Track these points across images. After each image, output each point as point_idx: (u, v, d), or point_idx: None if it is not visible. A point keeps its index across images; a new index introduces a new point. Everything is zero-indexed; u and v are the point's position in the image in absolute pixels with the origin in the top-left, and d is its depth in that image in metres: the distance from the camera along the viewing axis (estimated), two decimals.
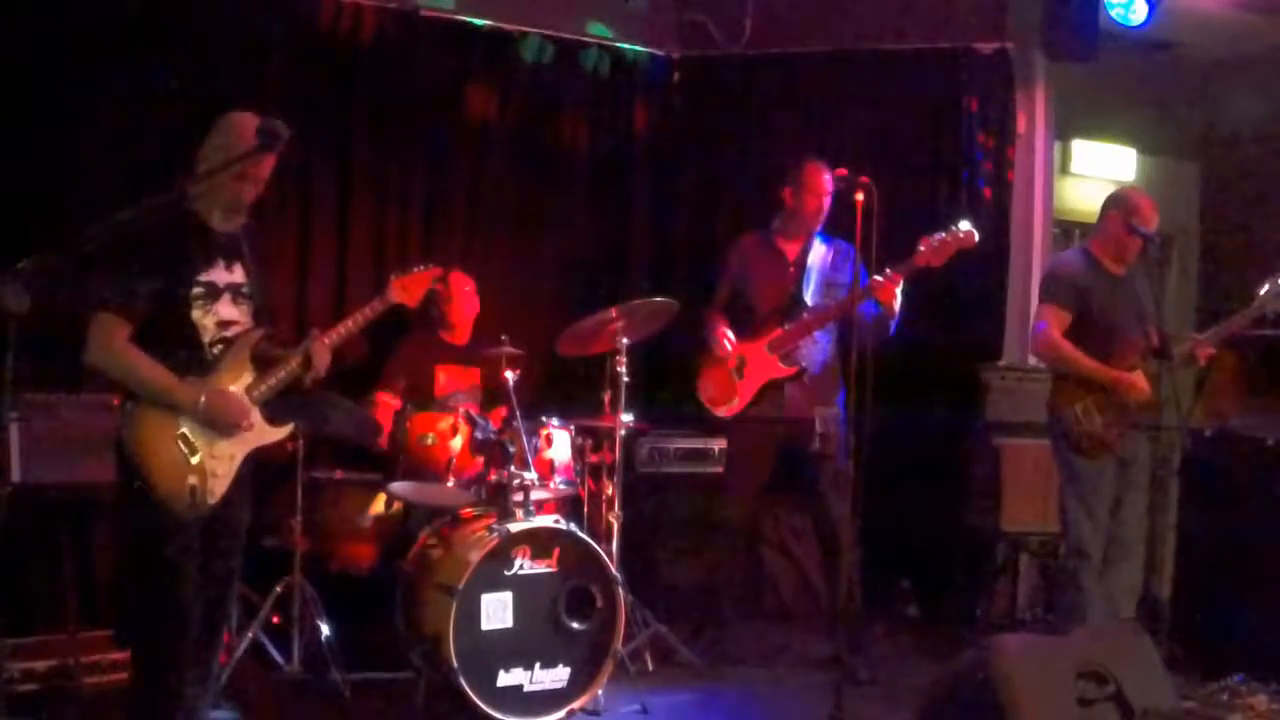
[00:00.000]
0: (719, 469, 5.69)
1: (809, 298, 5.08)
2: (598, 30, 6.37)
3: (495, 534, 4.28)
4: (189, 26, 5.25)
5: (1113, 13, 6.08)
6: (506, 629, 4.26)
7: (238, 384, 3.56)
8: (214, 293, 3.50)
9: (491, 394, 5.30)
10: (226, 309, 3.53)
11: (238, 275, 3.57)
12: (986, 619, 5.70)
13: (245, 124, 3.42)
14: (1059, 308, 4.74)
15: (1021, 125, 6.29)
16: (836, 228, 5.11)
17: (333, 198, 5.74)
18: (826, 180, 5.06)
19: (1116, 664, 3.55)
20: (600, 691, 4.45)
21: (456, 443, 4.69)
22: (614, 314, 4.79)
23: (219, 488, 3.48)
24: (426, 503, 4.88)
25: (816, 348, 5.10)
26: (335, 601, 4.71)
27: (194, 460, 3.43)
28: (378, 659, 4.68)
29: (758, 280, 5.21)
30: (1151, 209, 4.84)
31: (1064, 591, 4.82)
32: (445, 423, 4.73)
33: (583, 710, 4.41)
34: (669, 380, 5.93)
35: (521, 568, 4.31)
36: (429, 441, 4.71)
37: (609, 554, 4.62)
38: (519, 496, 4.52)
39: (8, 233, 4.58)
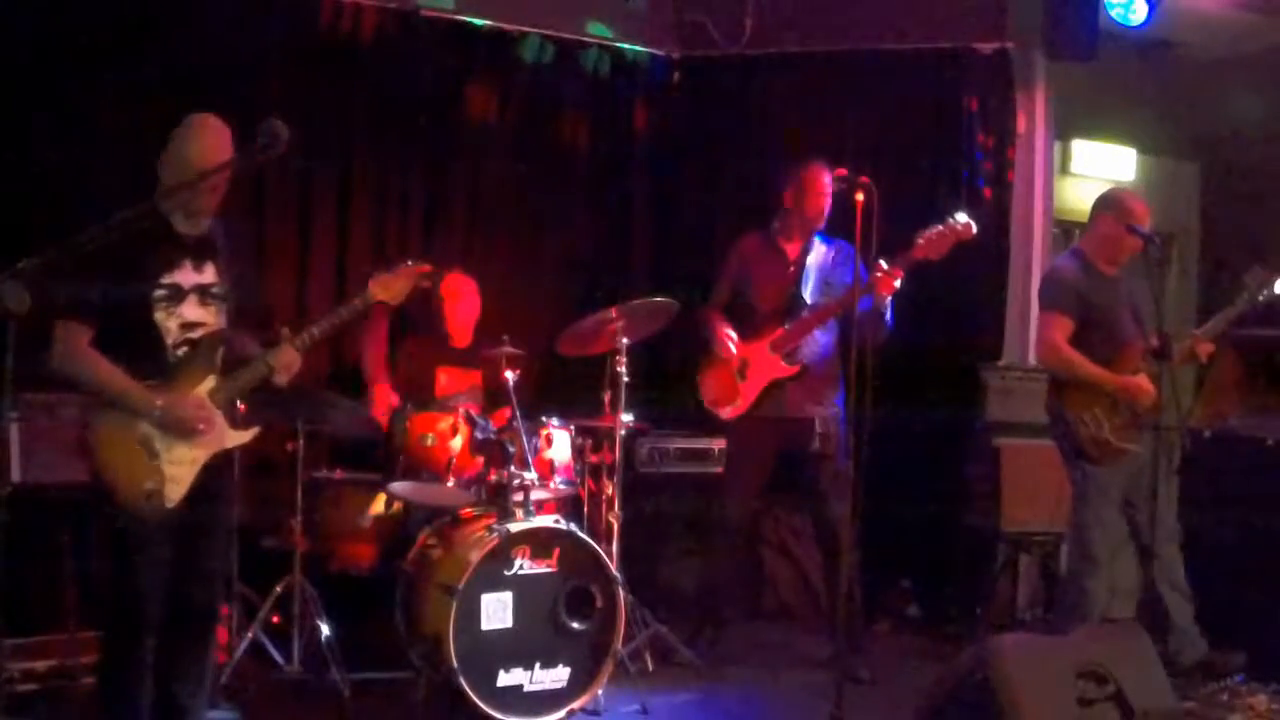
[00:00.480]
0: (719, 469, 5.68)
1: (809, 299, 5.08)
2: (598, 30, 6.37)
3: (495, 534, 4.28)
4: (189, 26, 5.25)
5: (1113, 13, 6.08)
6: (506, 629, 4.26)
7: (202, 386, 3.53)
8: (178, 295, 3.48)
9: (493, 395, 5.30)
10: (192, 310, 3.51)
11: (207, 276, 3.55)
12: (986, 619, 5.69)
13: (193, 129, 3.47)
14: (1062, 315, 4.72)
15: (1021, 125, 6.28)
16: (836, 228, 5.11)
17: (333, 198, 5.74)
18: (827, 181, 5.06)
19: (1116, 664, 3.56)
20: (600, 691, 4.45)
21: (456, 443, 4.69)
22: (614, 314, 4.79)
23: (177, 491, 3.47)
24: (426, 503, 4.88)
25: (817, 346, 5.10)
26: (335, 601, 4.71)
27: (153, 463, 3.43)
28: (378, 659, 4.68)
29: (759, 280, 5.21)
30: (1145, 209, 4.84)
31: (1067, 593, 4.82)
32: (445, 423, 4.72)
33: (583, 710, 4.41)
34: (669, 380, 5.93)
35: (521, 568, 4.31)
36: (429, 441, 4.71)
37: (609, 554, 4.62)
38: (519, 496, 4.52)
39: (8, 233, 4.58)
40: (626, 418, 4.92)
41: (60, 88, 4.97)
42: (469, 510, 4.74)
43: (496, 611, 4.26)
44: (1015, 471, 5.65)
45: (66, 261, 2.91)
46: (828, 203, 5.09)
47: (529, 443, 4.64)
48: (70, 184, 4.96)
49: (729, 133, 6.48)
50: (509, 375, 4.71)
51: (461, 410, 4.79)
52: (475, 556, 4.21)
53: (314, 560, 4.79)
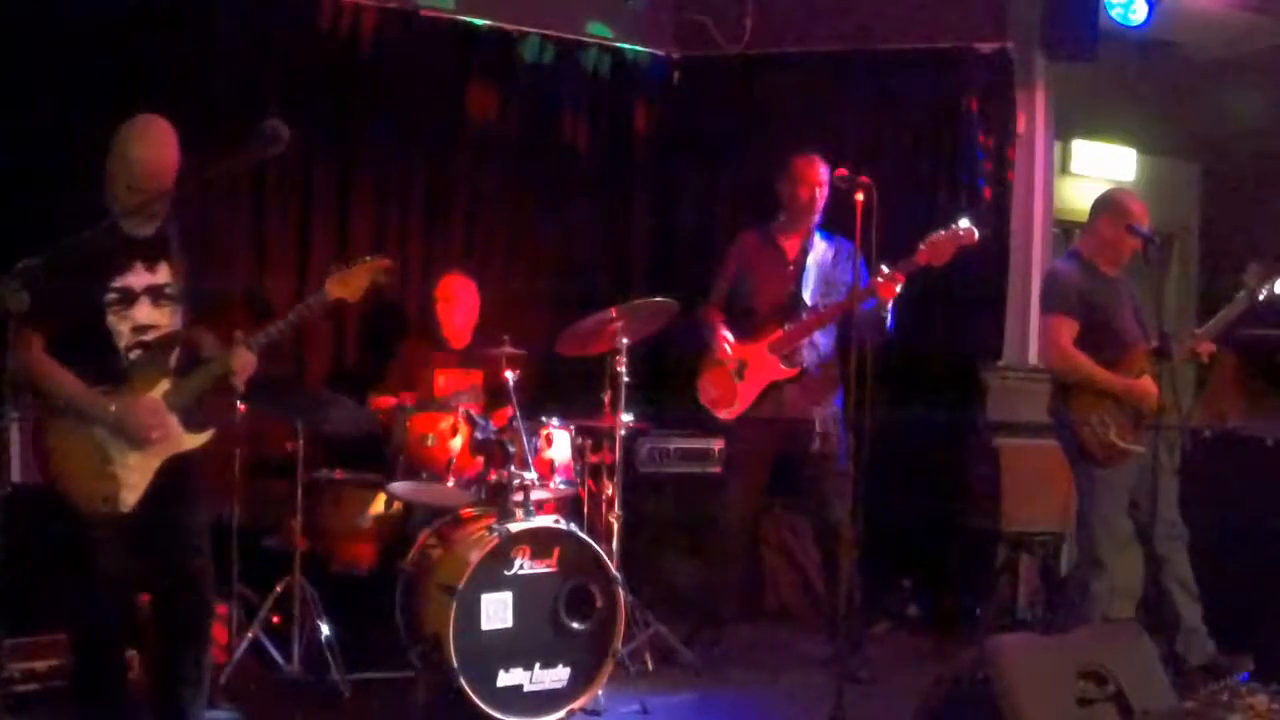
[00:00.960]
0: (719, 469, 5.69)
1: (808, 297, 5.07)
2: (598, 30, 6.37)
3: (495, 534, 4.28)
4: (189, 26, 5.25)
5: (1113, 13, 6.08)
6: (506, 629, 4.26)
7: (156, 390, 3.52)
8: (129, 297, 3.47)
9: (493, 395, 5.30)
10: (144, 312, 3.50)
11: (160, 276, 3.53)
12: (986, 619, 5.69)
13: (136, 132, 3.47)
14: (1066, 318, 4.71)
15: (1021, 125, 6.28)
16: (836, 227, 5.11)
17: (333, 198, 5.74)
18: (819, 171, 5.05)
19: (1116, 664, 3.55)
20: (600, 691, 4.45)
21: (456, 443, 4.69)
22: (614, 314, 4.79)
23: (132, 496, 3.47)
24: (426, 503, 4.88)
25: (817, 348, 5.09)
26: (335, 601, 4.71)
27: (107, 469, 3.43)
28: (378, 659, 4.68)
29: (758, 279, 5.21)
30: (1144, 209, 4.83)
31: (1070, 593, 4.82)
32: (445, 423, 4.73)
33: (583, 710, 4.41)
34: (669, 380, 5.93)
35: (521, 568, 4.31)
36: (429, 441, 4.71)
37: (609, 554, 4.61)
38: (519, 496, 4.52)
39: (7, 233, 4.57)
40: (626, 418, 4.92)
41: (59, 88, 4.97)
42: (469, 510, 4.74)
43: (496, 611, 4.25)
44: (1015, 471, 5.65)
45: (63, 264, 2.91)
46: (821, 193, 5.08)
47: (529, 443, 4.63)
48: (69, 184, 4.96)
49: (729, 133, 6.48)
50: (509, 375, 4.71)
51: (461, 410, 4.79)
52: (475, 556, 4.21)
53: (314, 560, 4.80)
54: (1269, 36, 6.69)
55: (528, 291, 6.23)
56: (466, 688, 4.13)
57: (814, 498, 5.12)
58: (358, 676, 4.50)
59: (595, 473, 5.29)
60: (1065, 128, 6.85)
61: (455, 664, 4.12)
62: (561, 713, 4.33)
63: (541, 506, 4.74)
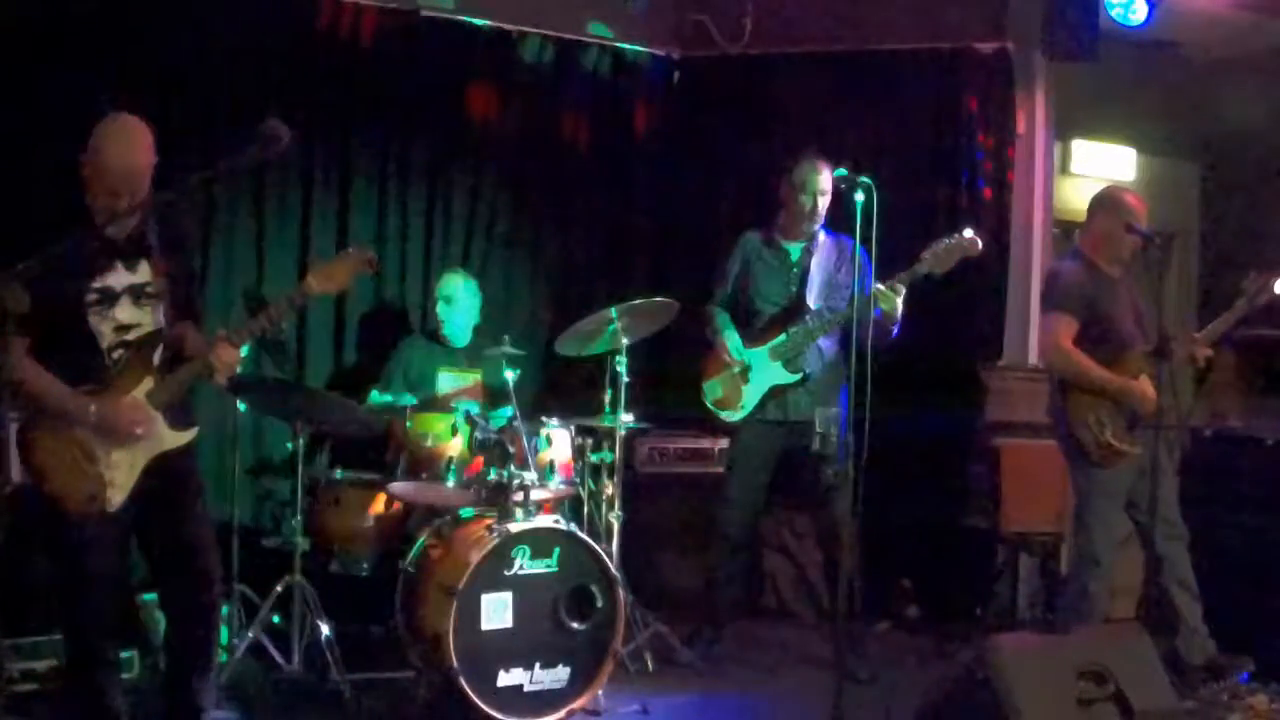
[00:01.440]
0: (720, 469, 5.68)
1: (811, 300, 5.07)
2: (598, 30, 6.37)
3: (495, 534, 4.28)
4: (189, 26, 5.25)
5: (1113, 13, 6.08)
6: (506, 629, 4.26)
7: (139, 389, 3.52)
8: (110, 297, 3.48)
9: (494, 395, 5.30)
10: (126, 312, 3.51)
11: (141, 275, 3.53)
12: (986, 619, 5.69)
13: (110, 131, 3.46)
14: (1066, 316, 4.70)
15: (1021, 125, 6.28)
16: (837, 227, 5.10)
17: (333, 198, 5.74)
18: (821, 179, 5.04)
19: (1116, 664, 3.56)
20: (600, 691, 4.45)
21: (456, 443, 4.69)
22: (614, 314, 4.79)
23: (118, 495, 3.48)
24: (426, 503, 4.88)
25: (820, 353, 5.09)
26: (335, 601, 4.71)
27: (91, 468, 3.44)
28: (378, 659, 4.68)
29: (760, 280, 5.20)
30: (1141, 204, 4.83)
31: (1069, 593, 4.82)
32: (445, 423, 4.72)
33: (583, 710, 4.41)
34: (669, 380, 5.93)
35: (521, 568, 4.31)
36: (429, 441, 4.71)
37: (609, 554, 4.62)
38: (519, 496, 4.52)
39: (7, 233, 4.57)
40: (626, 418, 4.92)
41: (58, 87, 4.96)
42: (469, 510, 4.74)
43: (496, 611, 4.25)
44: (1015, 471, 5.65)
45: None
46: (823, 202, 5.07)
47: (529, 443, 4.64)
48: (70, 184, 4.95)
49: (729, 133, 6.48)
50: (509, 375, 4.71)
51: (462, 410, 4.80)
52: (475, 556, 4.21)
53: (314, 560, 4.79)
54: (1269, 36, 6.69)
55: (528, 291, 6.23)
56: (466, 688, 4.13)
57: (814, 497, 5.12)
58: (358, 676, 4.49)
59: (595, 473, 5.29)
60: (1065, 128, 6.85)
61: (455, 664, 4.12)
62: (561, 713, 4.33)
63: (541, 506, 4.74)
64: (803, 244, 5.18)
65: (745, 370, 5.10)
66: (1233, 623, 4.83)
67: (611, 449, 5.00)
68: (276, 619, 4.66)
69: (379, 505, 5.00)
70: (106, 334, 3.48)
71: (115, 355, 3.50)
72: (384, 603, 4.68)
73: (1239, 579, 4.99)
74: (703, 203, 6.52)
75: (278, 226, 5.60)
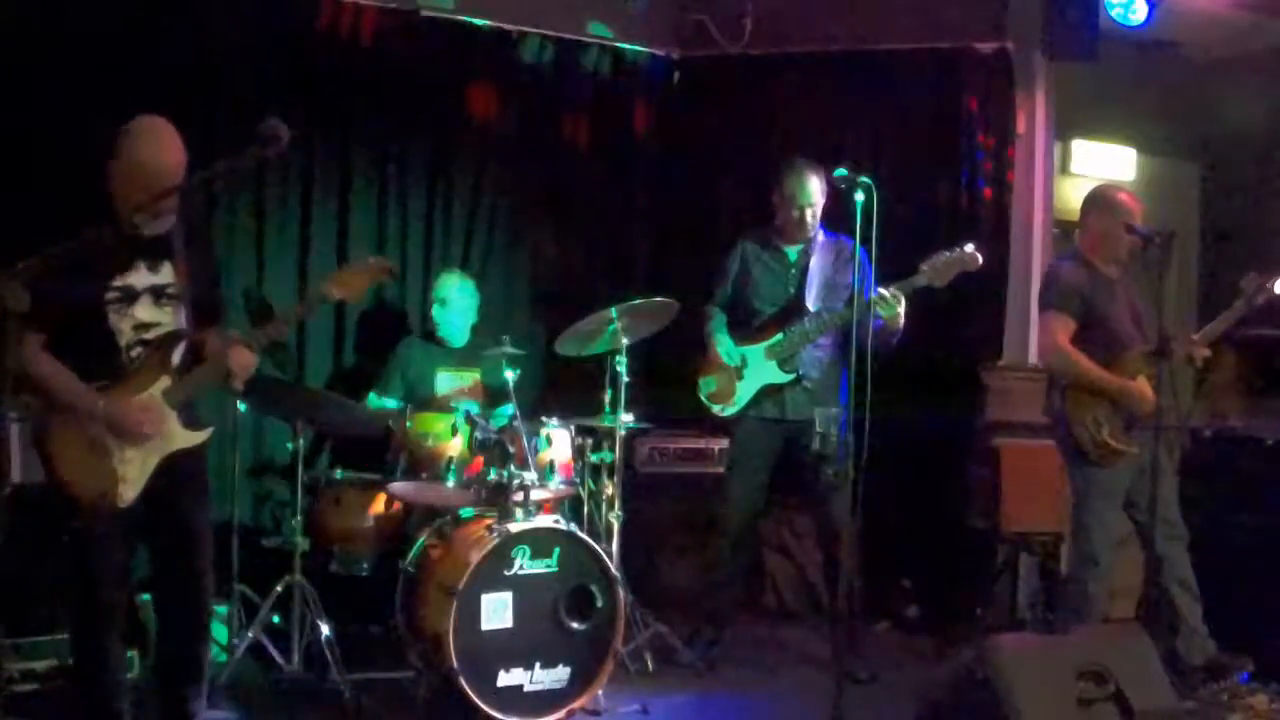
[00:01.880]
0: (720, 469, 5.68)
1: (810, 301, 5.07)
2: (598, 30, 6.37)
3: (495, 534, 4.28)
4: (189, 26, 5.25)
5: (1113, 13, 6.08)
6: (506, 629, 4.26)
7: (155, 387, 3.54)
8: (130, 296, 3.49)
9: (493, 395, 5.30)
10: (145, 311, 3.53)
11: (163, 276, 3.55)
12: (986, 619, 5.69)
13: (139, 132, 3.50)
14: (1064, 316, 4.70)
15: (1021, 125, 6.28)
16: (837, 226, 5.10)
17: (333, 198, 5.74)
18: (808, 191, 5.04)
19: (1116, 664, 3.56)
20: (600, 691, 4.45)
21: (457, 443, 4.69)
22: (614, 314, 4.79)
23: (130, 491, 3.49)
24: (426, 503, 4.88)
25: (817, 353, 5.09)
26: (335, 601, 4.71)
27: (104, 463, 3.46)
28: (378, 659, 4.68)
29: (759, 280, 5.21)
30: (1134, 200, 4.84)
31: (1068, 594, 4.82)
32: (445, 423, 4.72)
33: (583, 710, 4.41)
34: (669, 380, 5.93)
35: (521, 568, 4.31)
36: (429, 441, 4.71)
37: (609, 554, 4.62)
38: (519, 496, 4.52)
39: (7, 233, 4.57)
40: (626, 418, 4.92)
41: (58, 87, 4.96)
42: (469, 510, 4.74)
43: (496, 611, 4.25)
44: (1015, 471, 5.64)
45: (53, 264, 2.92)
46: (814, 212, 5.07)
47: (529, 443, 4.64)
48: (69, 183, 4.95)
49: (729, 133, 6.48)
50: (509, 375, 4.71)
51: (462, 410, 4.80)
52: (475, 556, 4.21)
53: (314, 560, 4.79)
54: (1269, 36, 6.69)
55: (528, 291, 6.23)
56: (466, 688, 4.13)
57: (814, 497, 5.12)
58: (358, 676, 4.49)
59: (595, 473, 5.29)
60: (1065, 128, 6.85)
61: (455, 664, 4.12)
62: (561, 713, 4.33)
63: (541, 506, 4.74)
64: (800, 246, 5.19)
65: (741, 366, 5.10)
66: (1233, 623, 4.83)
67: (611, 449, 5.00)
68: (276, 619, 4.67)
69: (379, 505, 5.00)
70: (125, 332, 3.51)
71: (134, 353, 3.51)
72: (384, 603, 4.68)
73: (1239, 579, 4.99)
74: (703, 203, 6.52)
75: (278, 226, 5.60)
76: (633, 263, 6.51)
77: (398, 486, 4.76)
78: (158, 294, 3.54)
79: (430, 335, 5.49)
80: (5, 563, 2.82)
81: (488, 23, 6.06)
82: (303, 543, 4.62)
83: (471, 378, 5.41)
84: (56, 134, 4.99)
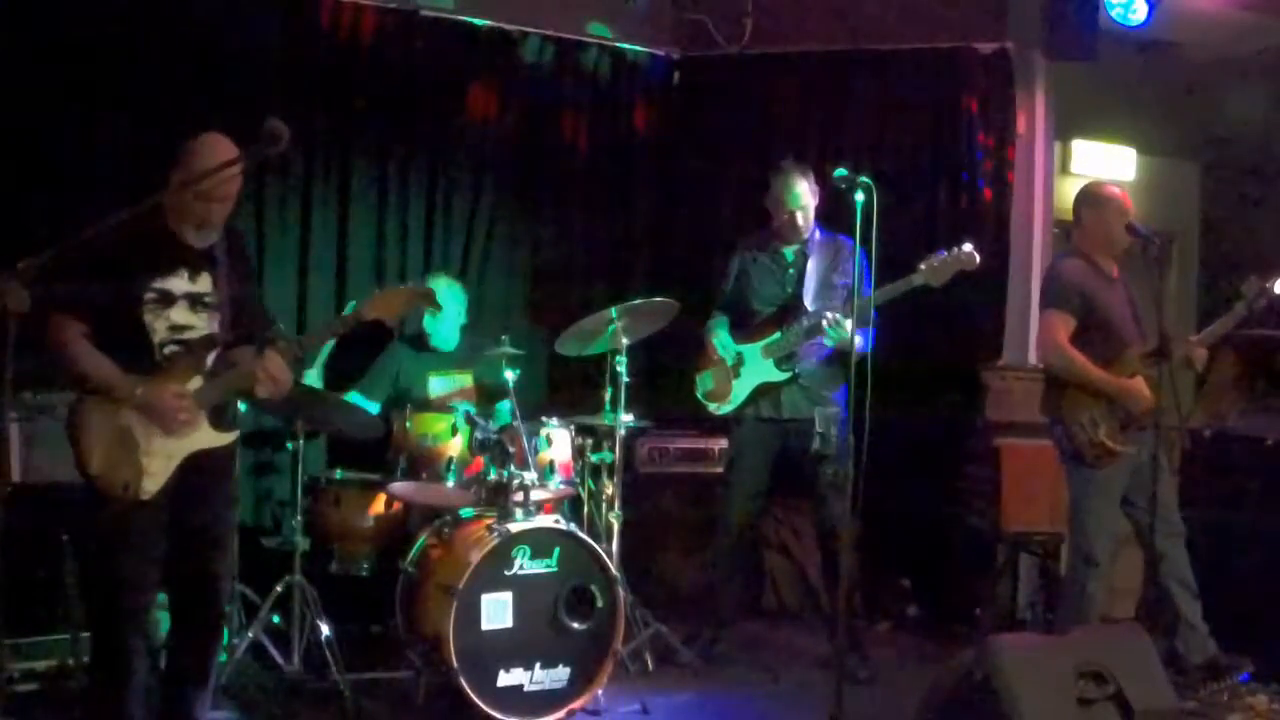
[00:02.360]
0: (719, 469, 5.68)
1: (808, 300, 5.06)
2: (598, 30, 6.37)
3: (495, 534, 4.28)
4: (189, 26, 5.25)
5: (1113, 13, 6.08)
6: (506, 629, 4.26)
7: (188, 385, 3.58)
8: (168, 299, 3.55)
9: (488, 395, 5.30)
10: (181, 315, 3.58)
11: (202, 286, 3.61)
12: (986, 619, 5.70)
13: (202, 147, 3.52)
14: (1064, 314, 4.70)
15: (1021, 125, 6.28)
16: (837, 226, 5.10)
17: (333, 198, 5.74)
18: (797, 194, 5.05)
19: (1116, 664, 3.56)
20: (600, 691, 4.45)
21: (456, 443, 4.69)
22: (614, 314, 4.79)
23: (153, 484, 3.52)
24: (426, 503, 4.88)
25: (813, 353, 5.08)
26: (335, 601, 4.71)
27: (132, 454, 3.50)
28: (378, 659, 4.69)
29: (757, 281, 5.21)
30: (1124, 194, 4.85)
31: (1067, 594, 4.82)
32: (445, 423, 4.72)
33: (583, 710, 4.41)
34: (669, 380, 5.93)
35: (521, 568, 4.31)
36: (429, 441, 4.71)
37: (609, 554, 4.62)
38: (519, 496, 4.52)
39: (8, 233, 4.58)
40: (626, 418, 4.92)
41: (59, 87, 4.97)
42: (469, 510, 4.74)
43: (496, 611, 4.26)
44: (1015, 471, 5.64)
45: (66, 257, 2.95)
46: (804, 215, 5.08)
47: (529, 443, 4.64)
48: (70, 183, 4.96)
49: (729, 133, 6.48)
50: (509, 375, 4.71)
51: (462, 410, 4.79)
52: (475, 556, 4.21)
53: (314, 560, 4.79)
54: (1269, 36, 6.69)
55: (528, 291, 6.23)
56: (466, 688, 4.13)
57: (814, 497, 5.12)
58: (358, 676, 4.50)
59: (595, 473, 5.29)
60: (1065, 128, 6.85)
61: (455, 664, 4.12)
62: (561, 713, 4.33)
63: (541, 506, 4.74)
64: (797, 246, 5.19)
65: (738, 365, 5.10)
66: (1233, 623, 4.83)
67: (611, 449, 5.00)
68: (276, 619, 4.67)
69: (379, 505, 5.00)
70: (159, 330, 3.56)
71: (166, 350, 3.57)
72: (384, 603, 4.68)
73: (1239, 579, 4.99)
74: (703, 203, 6.52)
75: (277, 227, 5.60)
76: (633, 263, 6.51)
77: (398, 486, 4.76)
78: (194, 301, 3.60)
79: (418, 339, 5.44)
80: (5, 563, 2.83)
81: (488, 23, 6.06)
82: (303, 543, 4.62)
83: (464, 380, 5.39)
84: (57, 134, 5.00)
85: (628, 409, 4.91)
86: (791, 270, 5.17)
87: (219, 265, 3.65)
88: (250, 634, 4.52)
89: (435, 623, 4.25)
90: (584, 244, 6.40)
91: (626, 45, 6.43)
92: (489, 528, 4.36)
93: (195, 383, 3.59)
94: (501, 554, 4.27)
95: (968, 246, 4.78)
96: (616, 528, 4.92)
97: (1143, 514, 4.64)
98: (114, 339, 3.52)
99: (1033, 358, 6.06)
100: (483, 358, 5.16)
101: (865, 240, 4.09)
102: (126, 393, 3.49)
